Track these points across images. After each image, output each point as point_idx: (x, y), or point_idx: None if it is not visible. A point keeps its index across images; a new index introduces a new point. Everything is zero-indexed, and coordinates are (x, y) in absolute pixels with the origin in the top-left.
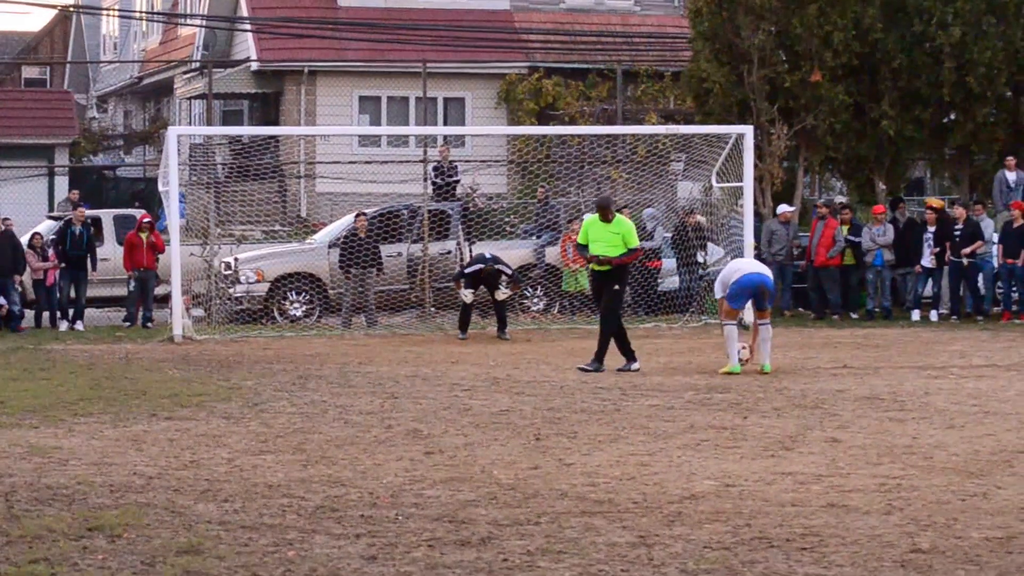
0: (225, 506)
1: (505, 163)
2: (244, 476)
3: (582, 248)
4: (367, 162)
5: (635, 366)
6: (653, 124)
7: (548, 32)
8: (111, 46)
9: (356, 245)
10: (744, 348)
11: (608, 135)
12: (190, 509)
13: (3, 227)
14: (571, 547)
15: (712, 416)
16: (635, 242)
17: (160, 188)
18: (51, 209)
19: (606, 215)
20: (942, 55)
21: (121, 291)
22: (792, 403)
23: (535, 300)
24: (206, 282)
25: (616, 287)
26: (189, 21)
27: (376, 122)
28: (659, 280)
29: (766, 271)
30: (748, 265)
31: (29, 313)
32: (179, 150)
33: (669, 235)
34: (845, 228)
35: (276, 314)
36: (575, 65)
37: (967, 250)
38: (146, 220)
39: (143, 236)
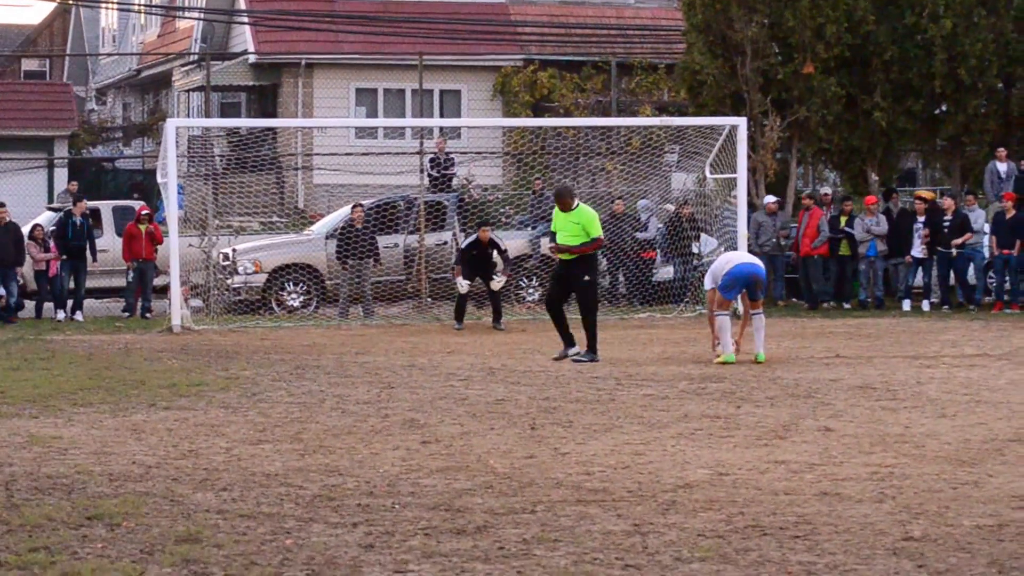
0: (223, 495)
1: (501, 155)
2: (242, 465)
3: (552, 237)
4: (364, 154)
5: (573, 351)
6: (647, 116)
7: (543, 25)
8: (110, 39)
9: (353, 236)
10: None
11: (603, 127)
12: (188, 498)
13: (5, 219)
14: (566, 535)
15: (706, 405)
16: (596, 231)
17: (159, 180)
18: (50, 201)
19: (564, 204)
20: (934, 47)
21: (120, 282)
22: (785, 392)
23: (530, 291)
24: (204, 273)
25: (587, 278)
26: (187, 14)
27: (373, 114)
28: (654, 270)
29: (758, 262)
30: (740, 257)
31: (30, 304)
32: (177, 142)
33: (663, 226)
34: (844, 219)
35: (274, 305)
36: (570, 57)
37: (957, 241)
38: (144, 212)
39: (142, 228)
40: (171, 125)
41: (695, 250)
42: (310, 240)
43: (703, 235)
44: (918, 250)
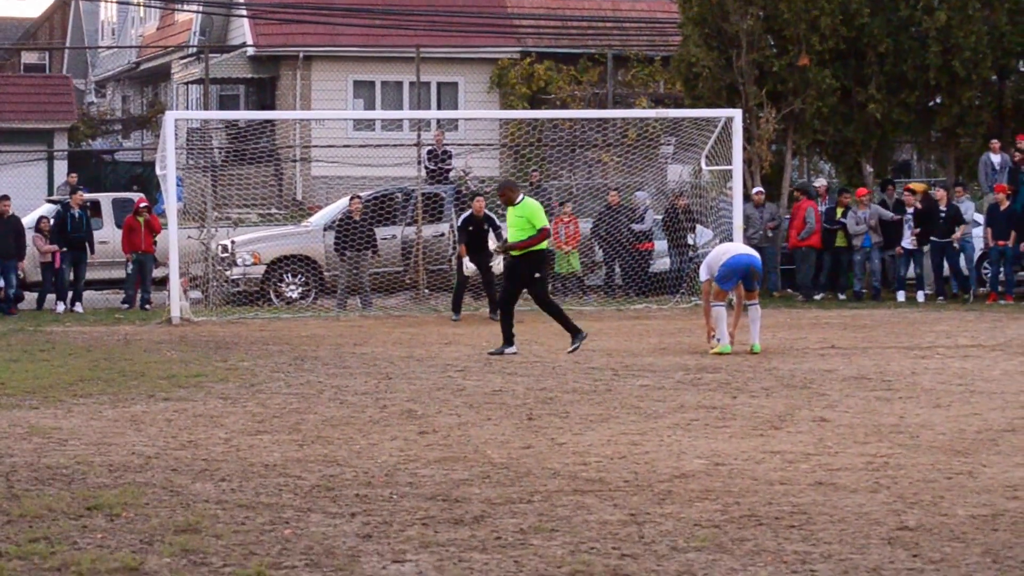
0: (222, 485)
1: (498, 147)
2: (241, 456)
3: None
4: (362, 146)
5: (510, 350)
6: (643, 108)
7: (540, 17)
8: (109, 32)
9: (351, 228)
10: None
11: (599, 119)
12: (188, 488)
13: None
14: (563, 525)
15: (702, 396)
16: (541, 223)
17: (158, 172)
18: (50, 193)
19: (508, 199)
20: (928, 39)
21: (120, 274)
22: (781, 383)
23: None
24: (203, 265)
25: (537, 275)
26: (186, 7)
27: (370, 106)
28: (650, 262)
29: (754, 253)
30: (736, 248)
31: (30, 295)
32: (176, 134)
33: (659, 217)
34: (840, 211)
35: (272, 296)
36: (566, 50)
37: (957, 235)
38: (143, 204)
39: (140, 220)
40: (170, 117)
41: (691, 241)
42: (308, 232)
43: (699, 226)
44: (908, 241)
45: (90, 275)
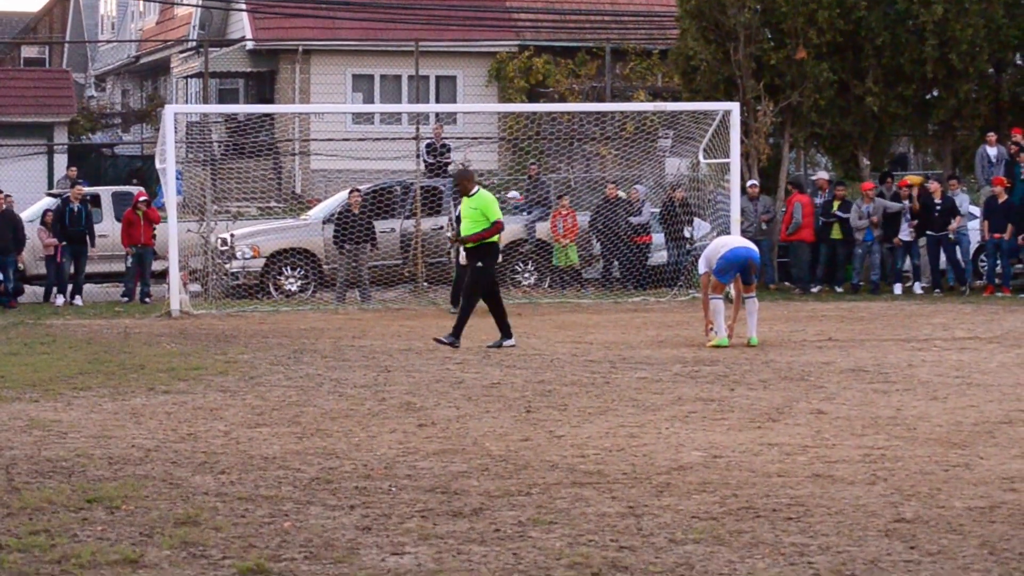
0: (222, 478)
1: (496, 140)
2: (240, 448)
3: (459, 221)
4: (360, 139)
5: (508, 342)
6: (641, 101)
7: (538, 11)
8: (109, 26)
9: (350, 221)
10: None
11: (597, 112)
12: (187, 481)
13: (5, 204)
14: (561, 517)
15: (700, 388)
16: (494, 216)
17: (157, 165)
18: (50, 187)
19: (463, 189)
20: (925, 32)
21: (119, 267)
22: (778, 375)
23: (526, 275)
24: (203, 258)
25: (480, 265)
26: (185, 1)
27: (369, 100)
28: (648, 254)
29: (752, 246)
30: (735, 241)
31: (30, 288)
32: (176, 128)
33: (657, 210)
34: (837, 204)
35: (272, 289)
36: (564, 43)
37: (953, 226)
38: (142, 198)
39: (139, 213)
40: (169, 111)
41: (688, 234)
42: (307, 225)
43: (696, 219)
44: (906, 233)
45: (90, 268)
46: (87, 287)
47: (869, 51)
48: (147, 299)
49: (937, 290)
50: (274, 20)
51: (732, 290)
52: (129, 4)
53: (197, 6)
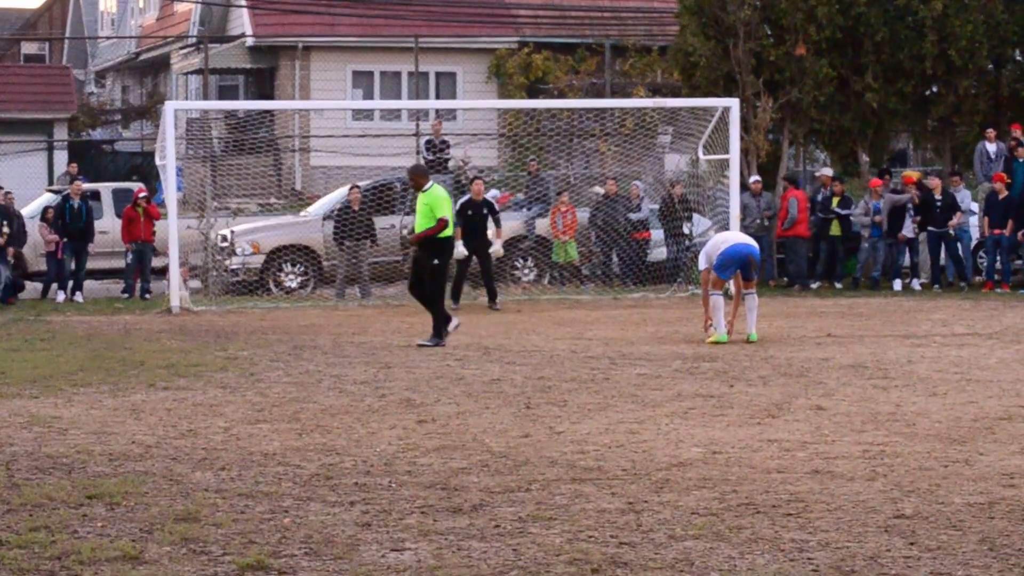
0: (222, 474)
1: (496, 136)
2: (240, 445)
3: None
4: (360, 136)
5: (439, 343)
6: (641, 97)
7: (538, 7)
8: (109, 22)
9: (350, 217)
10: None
11: (597, 108)
12: (187, 477)
13: (3, 200)
14: (561, 513)
15: (699, 384)
16: (442, 212)
17: (157, 162)
18: (51, 183)
19: (416, 184)
20: (924, 28)
21: (120, 263)
22: (778, 371)
23: (525, 271)
24: (203, 254)
25: (436, 262)
26: None
27: (369, 96)
28: (647, 251)
29: (752, 242)
30: (734, 237)
31: (31, 285)
32: (176, 124)
33: (656, 207)
34: (836, 200)
35: (271, 285)
36: (564, 40)
37: (953, 222)
38: (142, 194)
39: (139, 210)
40: (169, 108)
41: (687, 231)
42: (307, 221)
43: (695, 215)
44: (909, 229)
45: (90, 265)
46: (87, 283)
47: (868, 47)
48: (147, 295)
49: (936, 286)
50: (274, 16)
51: (732, 286)
52: (129, 0)
53: (197, 2)
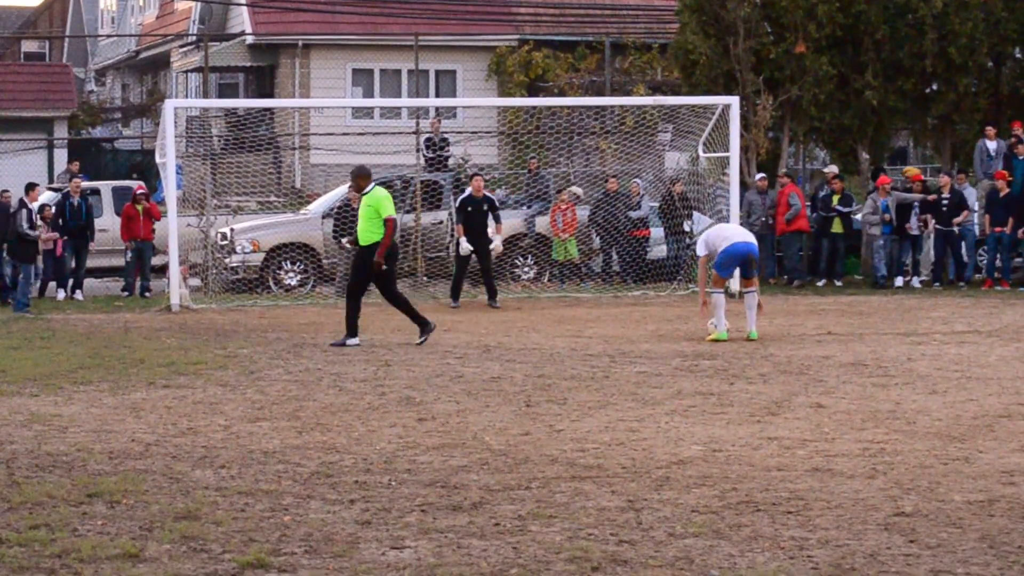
0: (222, 472)
1: (496, 134)
2: (240, 443)
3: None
4: (360, 134)
5: (352, 341)
6: (641, 95)
7: (538, 5)
8: (109, 20)
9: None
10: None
11: (597, 106)
12: (187, 475)
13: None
14: (561, 511)
15: (699, 382)
16: (386, 212)
17: (157, 160)
18: (51, 181)
19: (358, 186)
20: (924, 26)
21: (119, 261)
22: (778, 369)
23: (525, 269)
24: (203, 252)
25: (384, 267)
26: None
27: (369, 94)
28: (647, 249)
29: (752, 239)
30: (736, 233)
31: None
32: (176, 122)
33: (656, 204)
34: (836, 197)
35: (271, 283)
36: (564, 37)
37: (958, 220)
38: (140, 192)
39: (139, 208)
40: (169, 106)
41: (687, 228)
42: (307, 219)
43: (696, 213)
44: (914, 227)
45: (90, 263)
46: (87, 281)
47: (868, 45)
48: (147, 293)
49: (936, 284)
50: (274, 14)
51: (732, 285)
52: None
53: (197, 0)
